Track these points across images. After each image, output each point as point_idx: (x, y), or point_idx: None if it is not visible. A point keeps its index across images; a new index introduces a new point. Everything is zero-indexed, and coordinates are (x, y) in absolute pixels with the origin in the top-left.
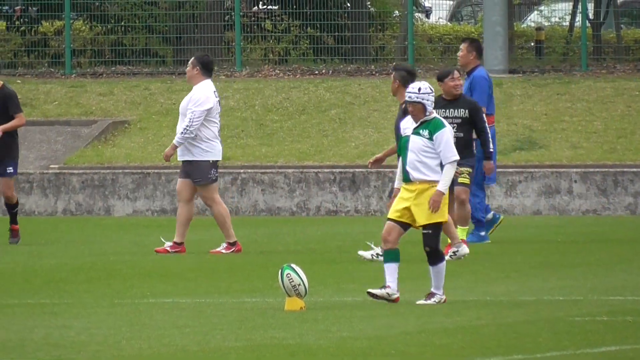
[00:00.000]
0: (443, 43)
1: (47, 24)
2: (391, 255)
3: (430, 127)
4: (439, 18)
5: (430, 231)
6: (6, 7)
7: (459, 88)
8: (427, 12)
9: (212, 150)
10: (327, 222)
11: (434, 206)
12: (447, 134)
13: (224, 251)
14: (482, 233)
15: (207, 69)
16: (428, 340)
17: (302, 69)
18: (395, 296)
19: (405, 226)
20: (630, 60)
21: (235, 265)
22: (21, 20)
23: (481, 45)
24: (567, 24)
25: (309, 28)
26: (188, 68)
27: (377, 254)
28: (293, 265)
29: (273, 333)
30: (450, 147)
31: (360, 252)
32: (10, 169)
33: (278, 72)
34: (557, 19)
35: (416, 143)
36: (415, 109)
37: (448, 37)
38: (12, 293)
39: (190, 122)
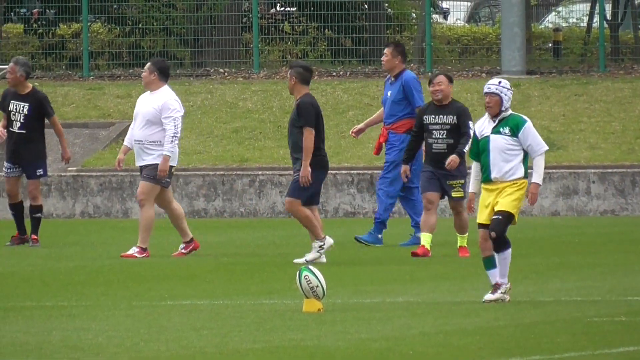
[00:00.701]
0: (461, 44)
1: (65, 26)
2: (492, 261)
3: (510, 123)
4: (456, 19)
5: (500, 217)
6: (24, 10)
7: (438, 93)
8: (445, 14)
9: (174, 155)
10: (345, 223)
11: (533, 199)
12: (531, 127)
13: (184, 251)
14: (380, 235)
15: (164, 75)
16: (446, 341)
17: (320, 70)
18: (508, 287)
19: None
20: None
21: (253, 267)
22: (39, 22)
23: (405, 49)
24: (585, 24)
25: (326, 30)
26: (145, 73)
27: (321, 246)
28: (311, 267)
29: (291, 335)
30: (538, 139)
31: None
32: (40, 171)
33: None
34: (574, 20)
35: (498, 142)
36: (492, 101)
37: (466, 38)
38: (31, 296)
39: (175, 129)
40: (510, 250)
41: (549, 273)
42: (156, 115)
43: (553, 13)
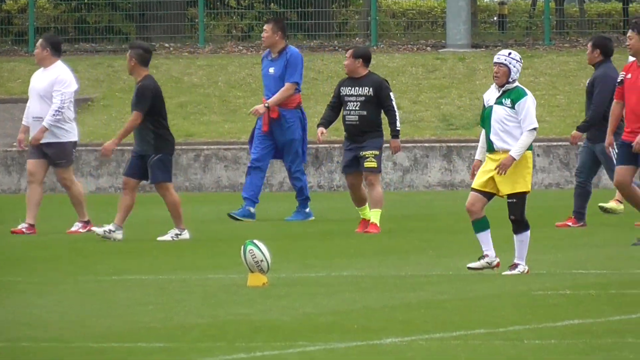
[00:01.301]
0: (406, 18)
1: (11, 1)
2: (480, 224)
3: (512, 95)
4: None
5: (515, 200)
6: None
7: (347, 67)
8: None
9: (73, 131)
10: (290, 197)
11: (502, 168)
12: (528, 102)
13: (81, 230)
14: (308, 210)
15: (57, 50)
16: (391, 316)
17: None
18: (496, 262)
19: (489, 195)
20: (594, 34)
21: (198, 241)
22: None
23: (285, 25)
24: None
25: (272, 4)
26: (37, 50)
27: (110, 230)
28: (256, 241)
29: (236, 309)
30: (530, 115)
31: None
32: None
33: (241, 48)
34: None
35: (499, 113)
36: (500, 71)
37: (411, 12)
38: None
39: (61, 103)
40: (528, 232)
41: (494, 246)
42: (49, 91)
43: None
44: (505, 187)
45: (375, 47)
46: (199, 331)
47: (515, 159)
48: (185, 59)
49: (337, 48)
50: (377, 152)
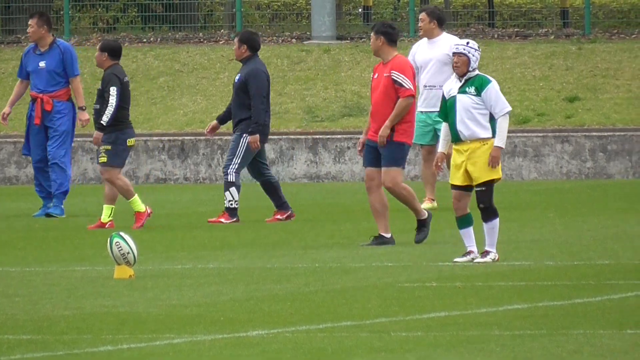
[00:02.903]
0: (271, 10)
1: None
2: (464, 220)
3: (475, 83)
4: None
5: (484, 188)
6: None
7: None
8: None
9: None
10: (156, 190)
11: (494, 162)
12: (495, 87)
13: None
14: (63, 206)
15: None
16: (257, 307)
17: (131, 37)
18: (481, 259)
19: (470, 189)
20: (459, 26)
21: (64, 233)
22: None
23: (50, 19)
24: None
25: None
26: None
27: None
28: (122, 234)
29: (103, 301)
30: (501, 99)
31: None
32: None
33: None
34: None
35: (464, 102)
36: (460, 61)
37: (276, 4)
38: None
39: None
40: (497, 219)
41: (360, 239)
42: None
43: None
44: (481, 176)
45: None
46: (64, 323)
47: (502, 148)
48: None
49: (202, 40)
50: (109, 147)
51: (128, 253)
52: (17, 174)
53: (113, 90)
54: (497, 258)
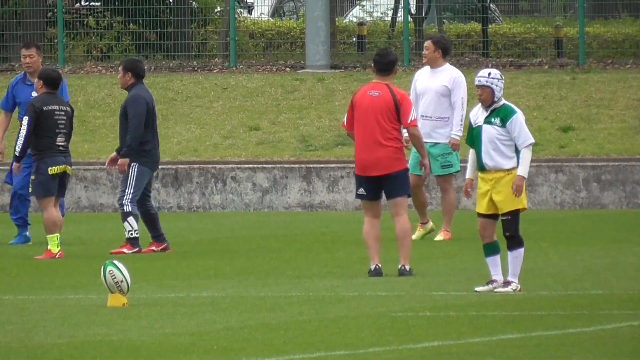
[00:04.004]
0: (265, 39)
1: None
2: (491, 248)
3: (501, 114)
4: (260, 14)
5: (509, 217)
6: None
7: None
8: (249, 8)
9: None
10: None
11: (518, 191)
12: (519, 119)
13: None
14: (28, 233)
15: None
16: (250, 336)
17: None
18: (518, 288)
19: (496, 217)
20: (453, 55)
21: (58, 261)
22: None
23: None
24: (389, 19)
25: (131, 24)
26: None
27: None
28: (116, 262)
29: (96, 330)
30: (524, 131)
31: None
32: None
33: (100, 68)
34: (379, 14)
35: (489, 132)
36: (484, 93)
37: (270, 32)
38: None
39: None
40: (522, 249)
41: (353, 267)
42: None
43: (357, 7)
44: (506, 206)
45: (234, 68)
46: (57, 351)
47: (525, 178)
48: None
49: (196, 69)
50: (34, 178)
51: (122, 281)
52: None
53: (25, 120)
54: (519, 288)
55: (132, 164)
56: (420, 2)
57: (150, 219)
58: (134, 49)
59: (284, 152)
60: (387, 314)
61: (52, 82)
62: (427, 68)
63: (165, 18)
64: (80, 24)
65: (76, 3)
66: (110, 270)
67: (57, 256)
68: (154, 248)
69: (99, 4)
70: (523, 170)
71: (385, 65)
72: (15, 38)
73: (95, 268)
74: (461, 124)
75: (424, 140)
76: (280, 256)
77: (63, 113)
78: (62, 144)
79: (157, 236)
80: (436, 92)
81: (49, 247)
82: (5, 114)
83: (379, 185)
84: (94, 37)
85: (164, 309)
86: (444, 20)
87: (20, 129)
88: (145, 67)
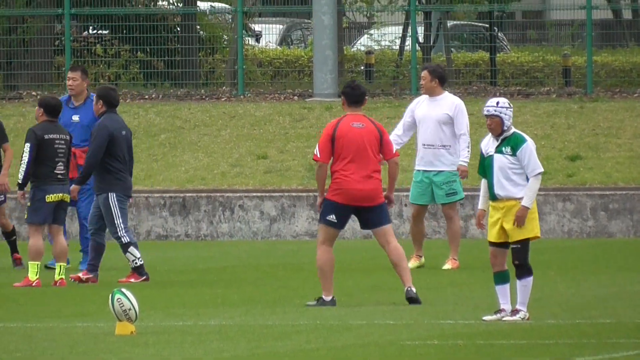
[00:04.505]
0: (273, 67)
1: None
2: (501, 277)
3: (511, 143)
4: (268, 42)
5: (519, 246)
6: None
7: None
8: (257, 37)
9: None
10: (157, 246)
11: (519, 221)
12: (529, 147)
13: None
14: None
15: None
16: None
17: (132, 93)
18: (526, 316)
19: (507, 245)
20: (461, 84)
21: (65, 289)
22: None
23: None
24: (397, 47)
25: (139, 52)
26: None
27: None
28: (124, 290)
29: (104, 357)
30: (534, 160)
31: None
32: (1, 197)
33: None
34: (387, 43)
35: (500, 162)
36: (493, 123)
37: (278, 61)
38: None
39: None
40: (531, 278)
41: (361, 296)
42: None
43: (365, 36)
44: (516, 234)
45: (242, 96)
46: None
47: (529, 208)
48: None
49: (203, 97)
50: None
51: (130, 309)
52: (18, 230)
53: (26, 147)
54: (527, 317)
55: (109, 194)
56: (428, 30)
57: (97, 248)
58: (141, 77)
59: (292, 181)
60: (396, 343)
61: (52, 110)
62: (425, 96)
63: (173, 46)
64: (88, 52)
65: (84, 31)
66: (118, 298)
67: (34, 284)
68: (80, 275)
69: (106, 32)
70: (527, 201)
71: (358, 97)
72: (23, 66)
73: (103, 296)
74: (468, 150)
75: (427, 168)
76: (288, 285)
77: (63, 142)
78: (62, 172)
79: (93, 265)
80: (437, 121)
81: (28, 275)
82: None
83: (350, 216)
84: (101, 66)
85: (171, 337)
86: (452, 49)
87: (22, 156)
88: (153, 96)
